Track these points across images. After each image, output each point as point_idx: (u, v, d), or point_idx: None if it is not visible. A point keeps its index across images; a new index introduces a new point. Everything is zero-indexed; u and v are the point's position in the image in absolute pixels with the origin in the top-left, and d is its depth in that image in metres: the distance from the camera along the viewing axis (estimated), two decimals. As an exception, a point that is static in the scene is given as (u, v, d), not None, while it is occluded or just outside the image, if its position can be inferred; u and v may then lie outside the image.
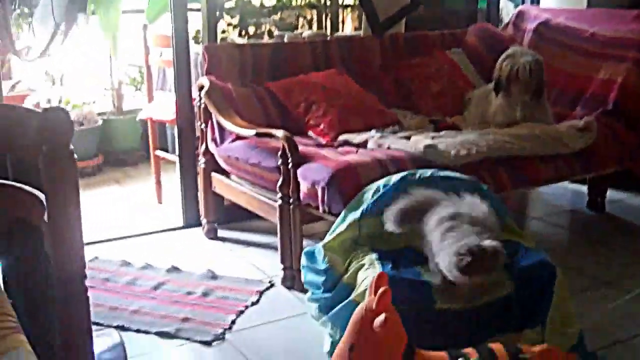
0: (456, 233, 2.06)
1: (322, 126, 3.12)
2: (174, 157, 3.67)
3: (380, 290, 1.70)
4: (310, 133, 3.14)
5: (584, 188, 3.88)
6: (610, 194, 3.87)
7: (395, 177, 2.44)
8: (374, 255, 2.25)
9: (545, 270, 2.21)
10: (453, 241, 2.04)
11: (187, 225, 3.49)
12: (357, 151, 2.88)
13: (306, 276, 2.39)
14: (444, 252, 2.05)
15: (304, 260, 2.41)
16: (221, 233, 3.39)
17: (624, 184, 3.94)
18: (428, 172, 2.47)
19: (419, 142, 2.87)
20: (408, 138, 2.98)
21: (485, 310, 2.09)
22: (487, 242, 2.00)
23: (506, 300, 2.13)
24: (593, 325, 2.49)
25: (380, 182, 2.46)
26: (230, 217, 3.46)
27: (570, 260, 3.07)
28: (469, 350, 1.76)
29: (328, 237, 2.40)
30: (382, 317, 1.65)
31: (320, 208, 2.63)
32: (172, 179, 3.84)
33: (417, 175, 2.44)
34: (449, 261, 2.01)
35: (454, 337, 2.05)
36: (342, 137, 3.05)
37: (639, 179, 3.53)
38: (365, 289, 2.06)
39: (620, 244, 3.34)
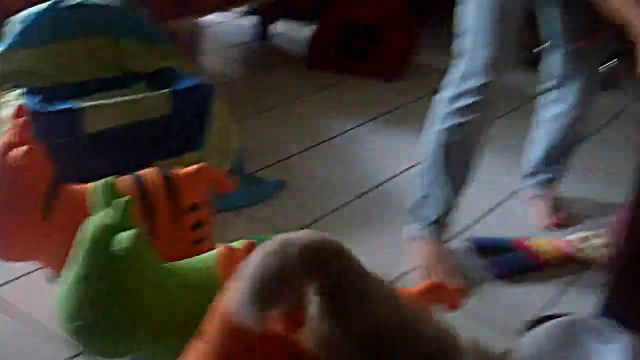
0: None
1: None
2: None
3: (19, 121, 1.59)
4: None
5: (253, 22, 3.99)
6: (277, 26, 4.03)
7: (43, 5, 2.26)
8: (20, 91, 2.10)
9: (202, 92, 2.26)
10: None
11: None
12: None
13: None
14: None
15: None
16: None
17: (289, 16, 4.12)
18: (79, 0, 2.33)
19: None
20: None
21: (140, 132, 2.08)
22: None
23: (163, 121, 2.14)
24: (254, 149, 2.63)
25: (28, 11, 2.26)
26: None
27: (236, 91, 3.19)
28: (120, 179, 1.72)
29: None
30: (22, 149, 1.54)
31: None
32: None
33: (67, 4, 2.28)
34: None
35: (111, 165, 2.02)
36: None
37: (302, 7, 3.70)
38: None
39: (283, 73, 3.53)
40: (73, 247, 1.37)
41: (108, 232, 1.30)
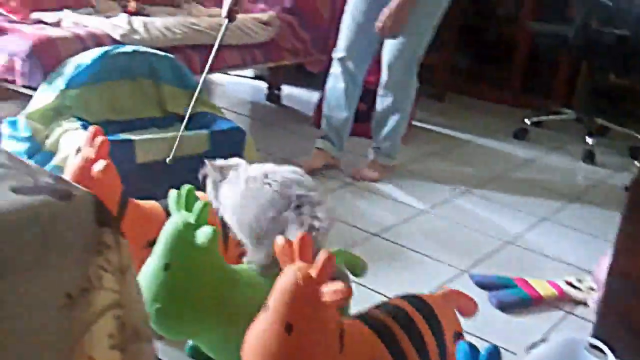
0: None
1: (12, 3, 2.99)
2: None
3: (98, 139, 1.80)
4: (1, 10, 3.00)
5: (263, 84, 4.32)
6: (286, 89, 4.35)
7: (97, 51, 2.52)
8: (78, 123, 2.33)
9: (236, 134, 2.52)
10: None
11: None
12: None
13: (9, 145, 2.37)
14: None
15: (6, 130, 2.39)
16: None
17: (298, 81, 4.46)
18: (129, 49, 2.59)
19: (115, 29, 2.90)
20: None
21: (182, 165, 2.30)
22: None
23: (203, 157, 2.37)
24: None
25: (83, 55, 2.52)
26: None
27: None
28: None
29: (30, 108, 2.41)
30: (102, 163, 1.74)
31: (19, 81, 2.59)
32: None
33: (119, 51, 2.55)
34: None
35: (156, 189, 2.24)
36: (35, 15, 2.98)
37: (311, 74, 4.02)
38: (67, 155, 2.14)
39: (294, 129, 3.81)
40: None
41: (190, 228, 1.51)
